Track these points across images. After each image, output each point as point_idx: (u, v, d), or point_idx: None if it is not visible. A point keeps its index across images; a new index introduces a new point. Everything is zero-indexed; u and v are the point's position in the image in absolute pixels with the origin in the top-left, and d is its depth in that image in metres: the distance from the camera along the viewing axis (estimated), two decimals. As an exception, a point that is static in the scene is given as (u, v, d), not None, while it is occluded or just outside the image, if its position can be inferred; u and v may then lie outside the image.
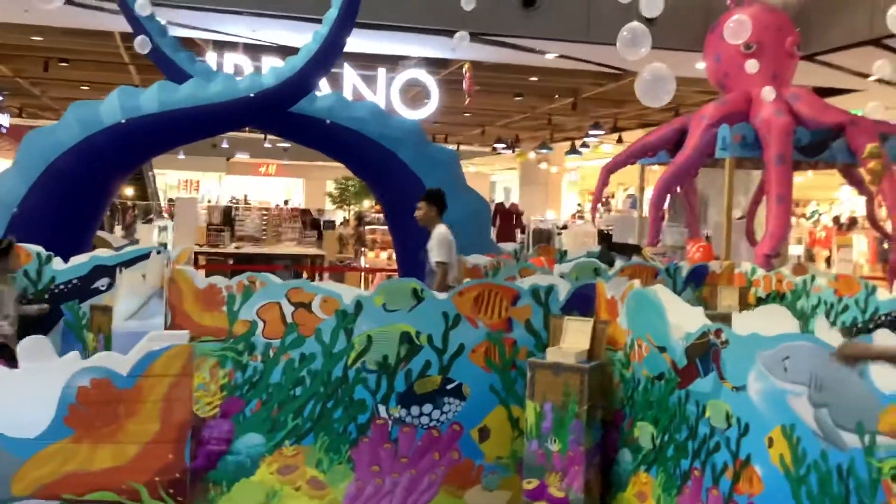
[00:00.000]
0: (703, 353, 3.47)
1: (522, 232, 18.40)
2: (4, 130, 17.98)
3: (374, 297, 4.18)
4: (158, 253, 5.71)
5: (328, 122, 8.14)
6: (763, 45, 8.71)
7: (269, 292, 4.13)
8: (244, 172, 34.23)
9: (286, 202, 29.97)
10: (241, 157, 27.77)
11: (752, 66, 8.36)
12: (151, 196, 23.96)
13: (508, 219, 19.17)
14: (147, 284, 4.05)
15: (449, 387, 4.28)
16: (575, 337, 4.27)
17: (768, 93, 8.23)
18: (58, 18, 10.17)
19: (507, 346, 4.38)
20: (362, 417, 4.18)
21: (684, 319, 3.68)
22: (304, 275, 14.21)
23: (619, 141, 20.86)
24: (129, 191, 20.20)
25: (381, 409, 4.19)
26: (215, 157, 29.52)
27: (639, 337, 3.93)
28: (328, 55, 7.66)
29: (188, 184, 35.03)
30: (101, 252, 6.00)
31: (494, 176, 37.65)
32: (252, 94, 7.43)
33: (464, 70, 10.94)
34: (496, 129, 23.45)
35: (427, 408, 4.22)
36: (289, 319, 4.13)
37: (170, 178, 33.71)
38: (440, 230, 6.48)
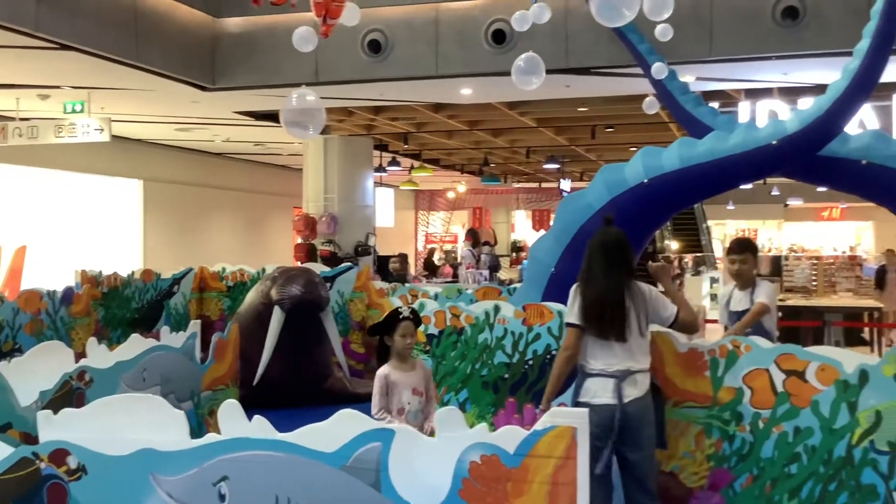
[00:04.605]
0: None
1: None
2: (566, 195, 19.88)
3: (882, 367, 3.61)
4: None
5: (864, 162, 7.32)
6: None
7: (756, 358, 3.83)
8: (804, 218, 32.63)
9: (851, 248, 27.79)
10: (795, 202, 26.52)
11: None
12: (705, 248, 24.15)
13: None
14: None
15: None
16: None
17: None
18: (595, 89, 10.98)
19: None
20: (873, 506, 3.61)
21: None
22: (866, 332, 12.96)
23: None
24: (674, 244, 20.64)
25: (897, 498, 3.57)
26: (772, 204, 28.69)
27: None
28: (860, 91, 6.91)
29: (745, 234, 34.62)
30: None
31: None
32: (774, 142, 7.05)
33: None
34: None
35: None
36: (779, 388, 3.78)
37: (729, 228, 33.65)
38: (768, 283, 5.91)
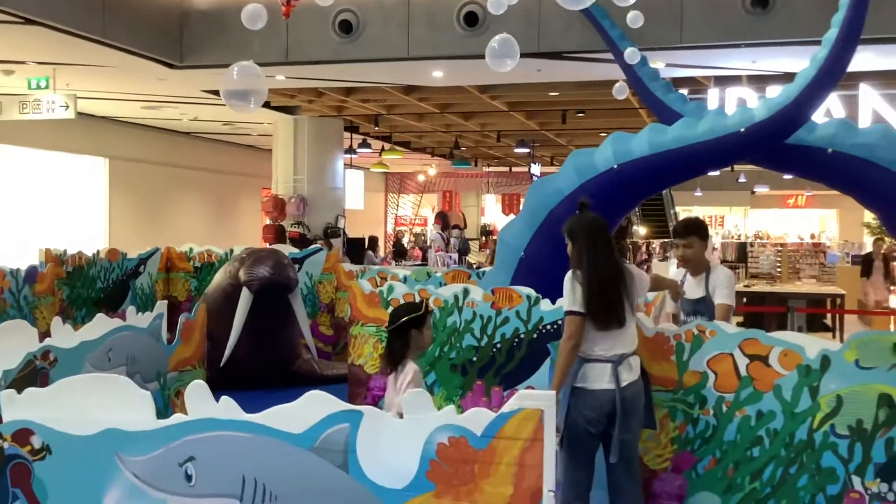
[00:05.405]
0: None
1: None
2: (536, 179, 19.99)
3: (843, 352, 3.67)
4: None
5: (830, 151, 7.41)
6: None
7: (721, 342, 3.89)
8: (770, 205, 33.01)
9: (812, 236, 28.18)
10: (761, 189, 26.81)
11: None
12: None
13: None
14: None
15: (947, 462, 3.56)
16: None
17: None
18: (566, 74, 10.99)
19: None
20: (832, 489, 3.68)
21: None
22: (828, 318, 13.17)
23: None
24: (642, 230, 20.81)
25: (856, 480, 3.64)
26: (739, 191, 28.98)
27: None
28: (827, 80, 6.99)
29: (712, 220, 34.92)
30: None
31: None
32: (742, 130, 7.11)
33: None
34: None
35: (916, 485, 3.57)
36: (743, 373, 3.83)
37: (696, 214, 33.92)
38: (725, 270, 5.24)
